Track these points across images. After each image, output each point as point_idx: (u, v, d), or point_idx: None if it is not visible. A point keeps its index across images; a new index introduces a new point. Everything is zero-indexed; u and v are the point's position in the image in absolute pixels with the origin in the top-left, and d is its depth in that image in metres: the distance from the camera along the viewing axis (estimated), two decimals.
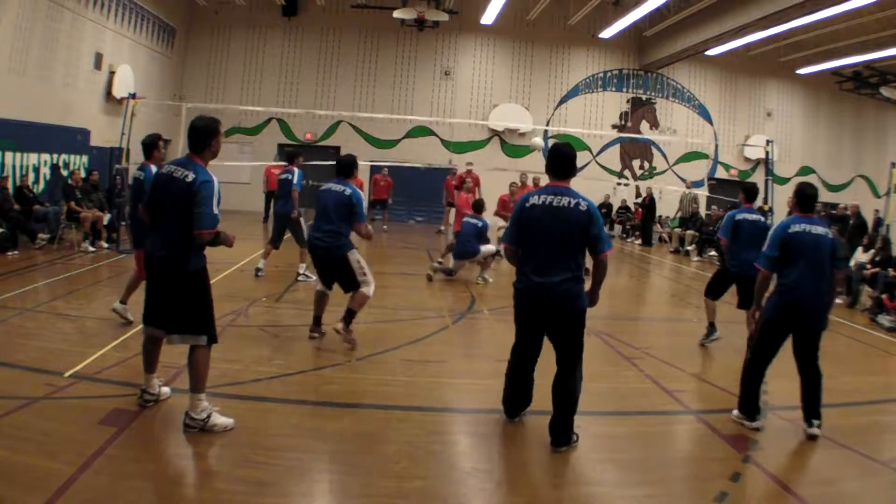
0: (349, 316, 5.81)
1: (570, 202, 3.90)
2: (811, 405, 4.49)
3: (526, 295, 4.01)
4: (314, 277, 9.00)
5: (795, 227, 4.50)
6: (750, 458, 4.05)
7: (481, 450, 4.02)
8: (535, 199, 3.98)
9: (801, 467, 4.09)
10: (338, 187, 5.83)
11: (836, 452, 4.32)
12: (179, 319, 3.89)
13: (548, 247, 3.90)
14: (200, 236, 3.75)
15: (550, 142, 20.30)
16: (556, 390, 4.04)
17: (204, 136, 3.92)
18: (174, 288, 3.88)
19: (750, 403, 4.57)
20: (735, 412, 4.67)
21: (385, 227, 17.10)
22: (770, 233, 4.65)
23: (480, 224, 9.76)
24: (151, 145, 6.12)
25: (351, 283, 5.84)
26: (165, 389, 4.31)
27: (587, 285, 4.05)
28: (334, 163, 6.13)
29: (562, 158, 4.07)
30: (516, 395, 4.30)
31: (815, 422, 4.45)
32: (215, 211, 3.77)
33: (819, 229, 4.52)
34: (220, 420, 3.91)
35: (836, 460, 4.19)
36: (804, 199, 4.64)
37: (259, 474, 3.45)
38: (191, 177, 3.79)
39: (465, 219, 9.85)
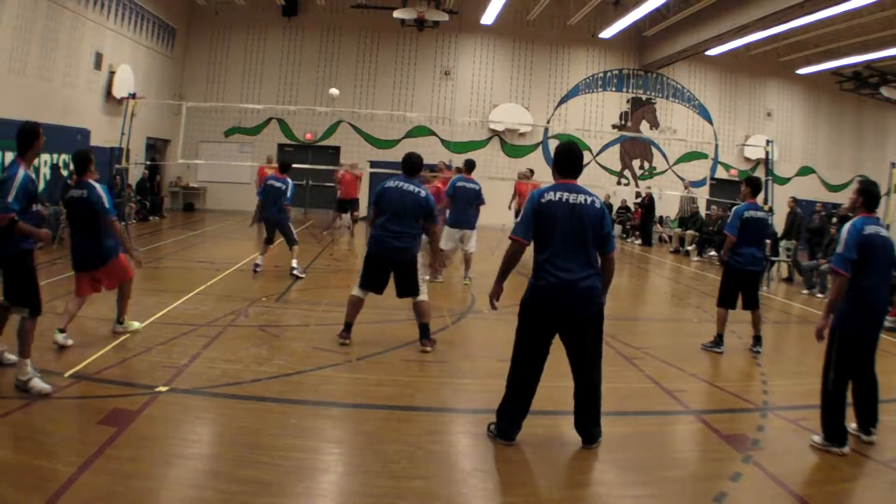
0: (425, 330, 5.96)
1: (586, 199, 3.92)
2: (870, 412, 4.40)
3: (550, 292, 3.89)
4: (305, 275, 9.14)
5: (869, 229, 4.27)
6: (750, 458, 4.05)
7: (481, 450, 4.02)
8: (550, 196, 3.92)
9: (801, 467, 4.08)
10: (411, 188, 5.83)
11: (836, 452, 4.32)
12: (10, 293, 4.41)
13: (571, 243, 3.88)
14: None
15: (551, 142, 20.35)
16: (581, 392, 4.07)
17: (25, 138, 4.45)
18: (4, 266, 4.37)
19: (838, 428, 4.23)
20: (817, 439, 4.29)
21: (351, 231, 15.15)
22: (844, 235, 4.30)
23: (478, 186, 9.44)
24: (86, 160, 5.63)
25: (412, 285, 5.89)
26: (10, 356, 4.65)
27: None
28: (401, 161, 6.08)
29: (571, 156, 4.06)
30: (521, 414, 4.06)
31: (873, 429, 4.40)
32: (9, 200, 4.22)
33: (885, 232, 4.38)
34: (38, 385, 4.25)
35: (836, 460, 4.18)
36: (871, 198, 4.42)
37: (259, 474, 3.45)
38: (4, 175, 4.39)
39: (461, 183, 9.34)
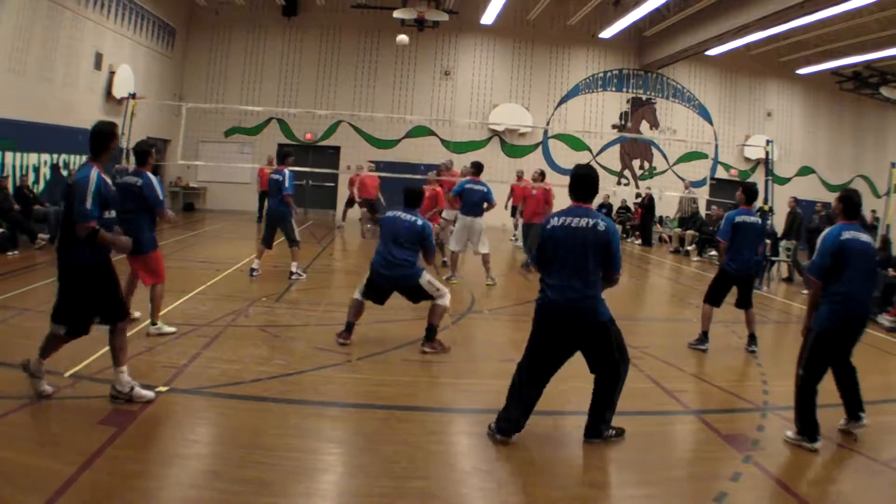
0: (431, 332, 5.94)
1: (588, 223, 4.03)
2: (854, 399, 4.55)
3: (544, 309, 4.09)
4: (305, 276, 9.09)
5: (846, 235, 4.42)
6: (750, 458, 4.05)
7: (481, 450, 4.02)
8: (555, 221, 4.13)
9: (801, 467, 4.09)
10: (408, 217, 5.95)
11: (836, 452, 4.32)
12: (58, 304, 4.19)
13: (569, 264, 4.02)
14: (76, 230, 4.03)
15: (551, 142, 20.36)
16: (596, 386, 4.18)
17: (98, 139, 4.22)
18: (60, 275, 4.16)
19: (810, 423, 4.33)
20: (790, 434, 4.41)
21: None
22: (820, 241, 4.49)
23: (485, 189, 9.51)
24: (146, 153, 5.99)
25: (423, 297, 6.00)
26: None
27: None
28: (403, 193, 6.20)
29: (585, 181, 4.19)
30: (513, 411, 4.14)
31: (862, 413, 4.53)
32: (87, 206, 4.00)
33: (865, 237, 4.51)
34: (40, 385, 4.17)
35: (836, 460, 4.19)
36: (851, 206, 4.59)
37: (259, 474, 3.45)
38: (73, 178, 4.14)
39: (468, 185, 9.44)
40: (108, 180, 4.21)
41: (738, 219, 6.63)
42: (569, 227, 4.04)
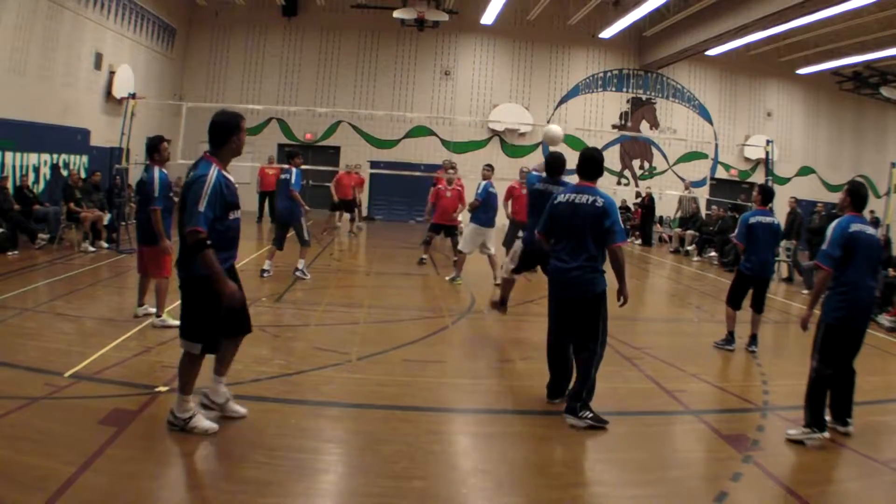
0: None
1: (588, 199, 4.40)
2: (845, 404, 4.55)
3: (551, 277, 4.59)
4: (308, 276, 9.10)
5: (854, 227, 4.44)
6: (750, 458, 4.05)
7: (481, 450, 4.02)
8: (562, 197, 4.54)
9: (801, 467, 4.08)
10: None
11: (836, 452, 4.32)
12: (182, 322, 3.90)
13: (567, 237, 4.46)
14: (187, 235, 3.61)
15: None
16: (575, 363, 4.51)
17: (220, 132, 3.83)
18: (182, 291, 3.83)
19: (819, 416, 4.34)
20: (793, 431, 4.38)
21: (353, 231, 15.55)
22: (830, 232, 4.49)
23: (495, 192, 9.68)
24: (154, 147, 6.18)
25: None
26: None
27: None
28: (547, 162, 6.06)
29: (591, 162, 4.64)
30: (553, 376, 4.73)
31: (849, 420, 4.54)
32: (200, 209, 3.55)
33: (871, 230, 4.54)
34: (203, 424, 3.86)
35: (836, 460, 4.18)
36: (858, 198, 4.62)
37: (259, 474, 3.45)
38: (192, 174, 3.75)
39: (492, 189, 9.45)
40: (231, 178, 3.79)
41: (753, 220, 6.67)
42: (572, 203, 4.43)
